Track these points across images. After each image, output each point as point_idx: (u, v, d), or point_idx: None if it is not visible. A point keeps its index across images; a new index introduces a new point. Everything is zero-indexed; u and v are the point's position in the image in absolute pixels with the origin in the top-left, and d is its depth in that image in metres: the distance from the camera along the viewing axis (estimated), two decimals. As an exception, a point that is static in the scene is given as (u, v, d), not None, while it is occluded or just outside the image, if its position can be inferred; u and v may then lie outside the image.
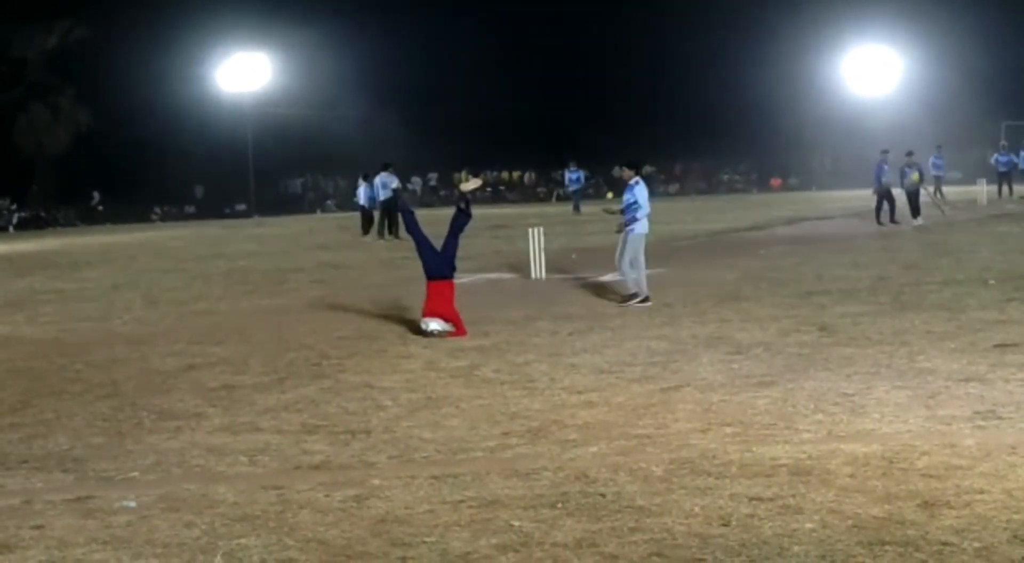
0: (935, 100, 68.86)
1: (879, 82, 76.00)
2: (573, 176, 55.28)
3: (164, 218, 72.84)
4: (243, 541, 7.81)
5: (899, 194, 36.16)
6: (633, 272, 19.57)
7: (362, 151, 60.88)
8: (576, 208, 52.11)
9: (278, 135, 72.36)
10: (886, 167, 35.87)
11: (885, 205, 35.89)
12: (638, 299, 19.20)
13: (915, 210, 35.69)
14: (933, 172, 48.65)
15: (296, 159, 78.11)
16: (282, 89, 73.62)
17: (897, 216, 35.66)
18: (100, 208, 73.29)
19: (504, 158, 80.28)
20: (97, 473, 9.84)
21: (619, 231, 19.87)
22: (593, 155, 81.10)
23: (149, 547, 7.79)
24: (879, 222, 35.78)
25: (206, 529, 8.11)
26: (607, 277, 23.43)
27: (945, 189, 49.15)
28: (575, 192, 54.74)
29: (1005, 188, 49.19)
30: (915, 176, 36.16)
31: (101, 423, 11.73)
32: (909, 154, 37.16)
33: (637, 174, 20.22)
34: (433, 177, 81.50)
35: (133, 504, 7.77)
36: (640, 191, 19.79)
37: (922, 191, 36.68)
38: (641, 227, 19.70)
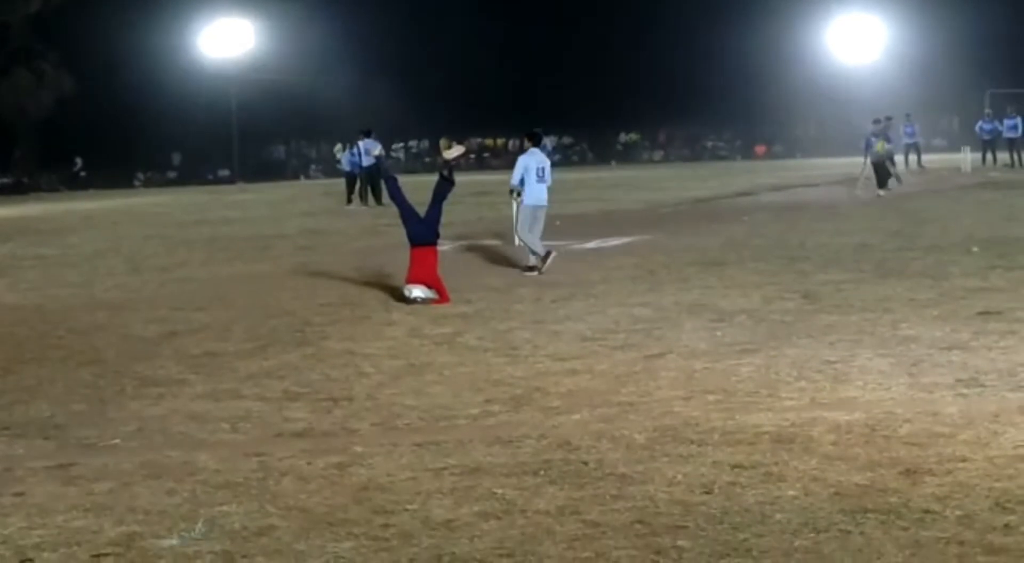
0: (920, 68, 68.83)
1: (864, 50, 75.94)
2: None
3: (147, 184, 72.56)
4: (225, 508, 7.80)
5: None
6: (529, 237, 19.88)
7: (346, 118, 60.54)
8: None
9: (261, 101, 72.03)
10: (874, 138, 35.32)
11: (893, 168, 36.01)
12: (541, 264, 19.55)
13: (881, 180, 34.66)
14: (905, 140, 48.74)
15: (280, 125, 77.87)
16: (266, 55, 73.24)
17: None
18: (83, 174, 72.99)
19: (488, 124, 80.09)
20: (79, 440, 9.82)
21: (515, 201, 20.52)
22: (577, 121, 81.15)
23: (131, 514, 7.77)
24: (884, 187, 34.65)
25: (188, 496, 8.09)
26: (591, 244, 23.45)
27: (927, 156, 49.25)
28: None
29: (989, 156, 49.21)
30: (879, 145, 35.08)
31: (83, 390, 11.70)
32: (876, 122, 36.44)
33: (534, 144, 20.60)
34: (414, 145, 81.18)
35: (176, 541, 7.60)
36: (520, 159, 20.25)
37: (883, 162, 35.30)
38: (527, 198, 20.03)
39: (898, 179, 37.79)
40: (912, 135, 48.71)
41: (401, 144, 79.94)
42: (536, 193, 20.02)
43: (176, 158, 77.70)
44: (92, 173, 72.25)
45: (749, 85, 73.43)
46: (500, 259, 21.97)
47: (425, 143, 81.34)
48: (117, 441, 9.74)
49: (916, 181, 40.82)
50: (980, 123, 50.96)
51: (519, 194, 20.23)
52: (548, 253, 19.62)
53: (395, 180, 18.05)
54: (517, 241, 20.50)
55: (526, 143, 20.98)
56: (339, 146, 74.50)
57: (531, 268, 19.69)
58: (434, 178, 18.21)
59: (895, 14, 72.40)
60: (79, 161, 73.80)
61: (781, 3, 71.60)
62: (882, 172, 34.82)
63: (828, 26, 76.70)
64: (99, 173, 71.29)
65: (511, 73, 77.61)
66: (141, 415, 10.53)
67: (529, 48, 77.64)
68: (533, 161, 20.14)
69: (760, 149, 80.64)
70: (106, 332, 15.36)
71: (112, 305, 17.90)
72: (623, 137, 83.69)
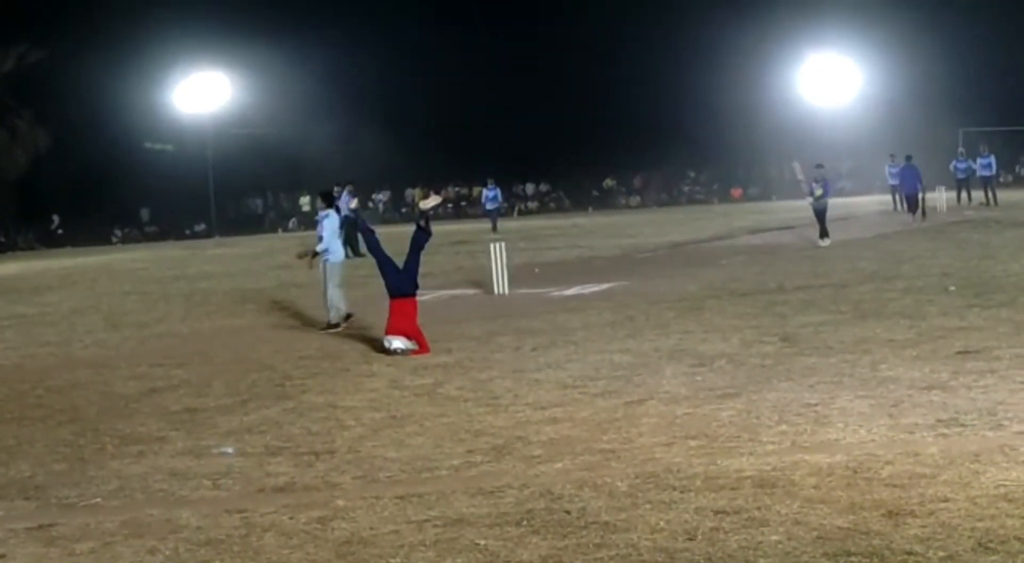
0: (892, 108, 69.16)
1: (837, 91, 76.30)
2: (490, 194, 52.27)
3: (125, 240, 72.53)
4: (207, 566, 7.77)
5: (845, 205, 36.27)
6: (337, 296, 20.17)
7: (323, 170, 60.62)
8: (494, 227, 49.15)
9: (238, 154, 72.07)
10: (815, 184, 32.85)
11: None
12: (342, 323, 19.90)
13: (822, 230, 32.26)
14: (890, 182, 48.88)
15: (256, 179, 77.92)
16: (241, 108, 73.35)
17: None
18: (60, 231, 72.94)
19: (465, 174, 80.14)
20: (59, 500, 9.78)
21: (310, 267, 20.62)
22: (553, 168, 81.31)
23: (113, 574, 7.74)
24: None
25: (170, 555, 8.07)
26: (571, 291, 23.48)
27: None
28: (492, 211, 51.73)
29: (964, 194, 49.41)
30: (818, 192, 32.49)
31: (63, 449, 11.65)
32: (818, 167, 34.19)
33: (328, 206, 20.97)
34: (384, 196, 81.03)
35: (231, 450, 7.65)
36: (327, 223, 20.46)
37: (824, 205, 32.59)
38: (335, 256, 20.35)
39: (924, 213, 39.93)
40: (896, 176, 48.79)
41: (381, 194, 79.93)
42: (341, 251, 20.69)
43: (157, 212, 77.63)
44: (69, 230, 72.20)
45: (724, 128, 73.58)
46: (479, 308, 21.97)
47: (386, 194, 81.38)
48: (98, 500, 9.70)
49: (896, 220, 40.99)
50: (954, 162, 51.17)
51: (321, 255, 20.30)
52: (336, 324, 19.95)
53: (373, 232, 18.10)
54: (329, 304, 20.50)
55: (320, 203, 21.36)
56: (307, 198, 74.94)
57: (334, 326, 19.89)
58: (409, 229, 18.23)
59: (867, 55, 72.76)
60: (56, 218, 73.73)
61: (754, 46, 71.91)
62: (821, 220, 32.51)
63: (800, 68, 77.04)
64: (76, 230, 71.25)
65: (487, 122, 77.76)
66: (122, 473, 10.48)
67: (505, 98, 77.82)
68: (336, 222, 20.58)
69: (736, 192, 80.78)
70: (85, 390, 15.31)
71: (91, 363, 17.85)
72: (607, 183, 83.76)
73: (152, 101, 71.58)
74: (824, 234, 32.16)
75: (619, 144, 76.21)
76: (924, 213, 40.87)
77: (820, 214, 32.46)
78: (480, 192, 57.55)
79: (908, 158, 44.52)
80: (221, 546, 8.18)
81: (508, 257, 25.06)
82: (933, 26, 67.97)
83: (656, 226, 48.34)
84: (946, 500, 8.16)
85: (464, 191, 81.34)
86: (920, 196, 41.71)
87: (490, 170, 55.90)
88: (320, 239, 20.31)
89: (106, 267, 43.74)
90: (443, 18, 75.97)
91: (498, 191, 52.87)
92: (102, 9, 68.73)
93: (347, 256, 37.72)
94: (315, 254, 20.28)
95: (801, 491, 8.57)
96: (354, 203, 38.93)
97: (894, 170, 48.53)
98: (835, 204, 36.19)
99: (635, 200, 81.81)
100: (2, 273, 44.30)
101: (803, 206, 39.72)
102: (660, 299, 21.28)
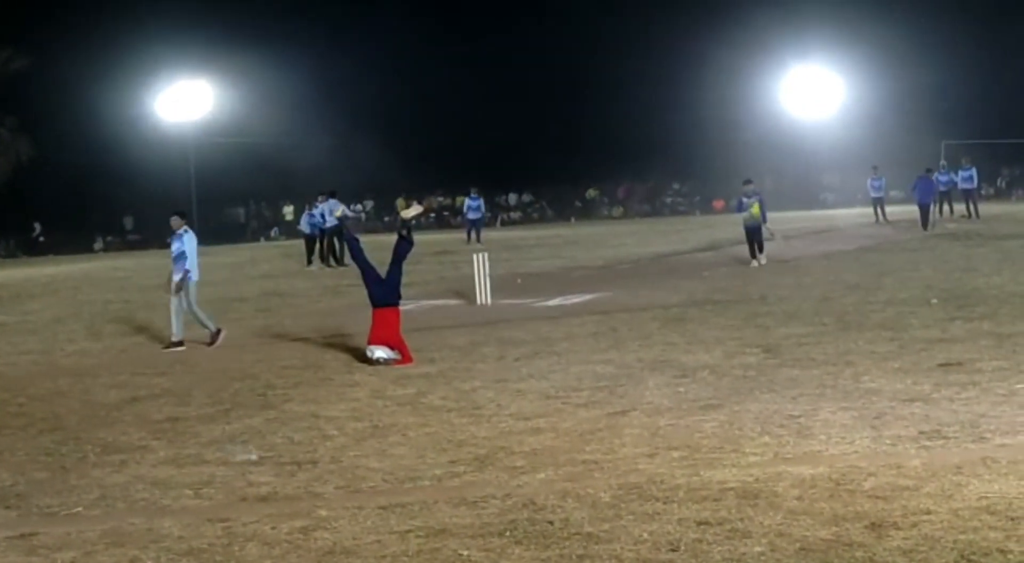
0: (874, 120, 69.30)
1: (819, 103, 76.48)
2: (474, 203, 50.30)
3: (107, 248, 72.34)
4: (189, 576, 7.75)
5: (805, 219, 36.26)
6: (202, 313, 20.23)
7: (304, 180, 60.54)
8: (473, 237, 47.67)
9: (220, 163, 71.91)
10: (746, 199, 31.11)
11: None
12: (219, 337, 20.01)
13: (756, 248, 30.51)
14: (872, 194, 48.98)
15: (239, 187, 77.79)
16: (224, 117, 73.28)
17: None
18: (42, 239, 72.77)
19: (448, 183, 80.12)
20: (41, 509, 9.75)
21: (177, 291, 20.12)
22: (536, 179, 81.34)
23: (94, 584, 7.72)
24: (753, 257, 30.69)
25: (152, 564, 8.05)
26: (553, 302, 23.48)
27: (888, 209, 49.36)
28: (475, 221, 49.65)
29: (946, 207, 49.49)
30: (754, 208, 30.55)
31: (44, 458, 11.62)
32: (747, 182, 32.05)
33: (185, 223, 20.97)
34: (365, 206, 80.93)
35: (254, 456, 7.66)
36: (189, 241, 20.48)
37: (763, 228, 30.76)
38: (196, 275, 20.34)
39: (932, 224, 40.74)
40: (879, 188, 48.86)
41: (363, 204, 79.86)
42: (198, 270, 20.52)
43: (129, 222, 77.48)
44: (51, 238, 72.04)
45: (706, 140, 73.69)
46: (462, 318, 21.96)
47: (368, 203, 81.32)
48: (79, 509, 9.67)
49: (878, 233, 41.09)
50: (936, 175, 51.27)
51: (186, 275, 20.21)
52: (219, 330, 20.14)
53: (357, 241, 18.09)
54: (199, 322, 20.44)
55: (178, 222, 21.05)
56: (290, 208, 74.84)
57: (177, 344, 19.83)
58: (392, 238, 18.23)
59: (849, 67, 72.95)
60: (38, 226, 73.56)
61: (736, 58, 72.04)
62: (757, 238, 30.54)
63: (783, 80, 77.21)
64: (58, 238, 71.09)
65: (469, 131, 77.79)
66: (103, 482, 10.45)
67: (488, 107, 77.88)
68: (194, 240, 20.68)
69: (718, 203, 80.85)
70: (67, 398, 15.28)
71: (73, 371, 17.80)
72: (589, 194, 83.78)
73: (135, 110, 71.51)
74: (758, 251, 30.39)
75: (602, 155, 76.26)
76: (932, 223, 42.01)
77: (753, 232, 30.52)
78: (463, 202, 56.66)
79: (928, 171, 45.98)
80: (203, 555, 8.16)
81: (491, 267, 25.05)
82: (915, 39, 68.15)
83: (639, 237, 48.34)
84: (929, 512, 8.17)
85: (447, 201, 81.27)
86: (933, 208, 43.48)
87: (473, 180, 55.57)
88: (183, 257, 20.20)
89: (88, 275, 43.60)
90: (427, 29, 75.89)
91: (481, 201, 51.73)
92: (86, 16, 68.76)
93: (330, 265, 38.05)
94: (181, 277, 20.14)
95: (784, 503, 8.57)
96: (340, 211, 38.90)
97: (876, 183, 48.67)
98: (817, 217, 36.25)
99: (618, 211, 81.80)
100: (-17, 281, 44.14)
101: (786, 218, 39.76)
102: (643, 310, 21.29)
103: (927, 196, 43.34)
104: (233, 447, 7.85)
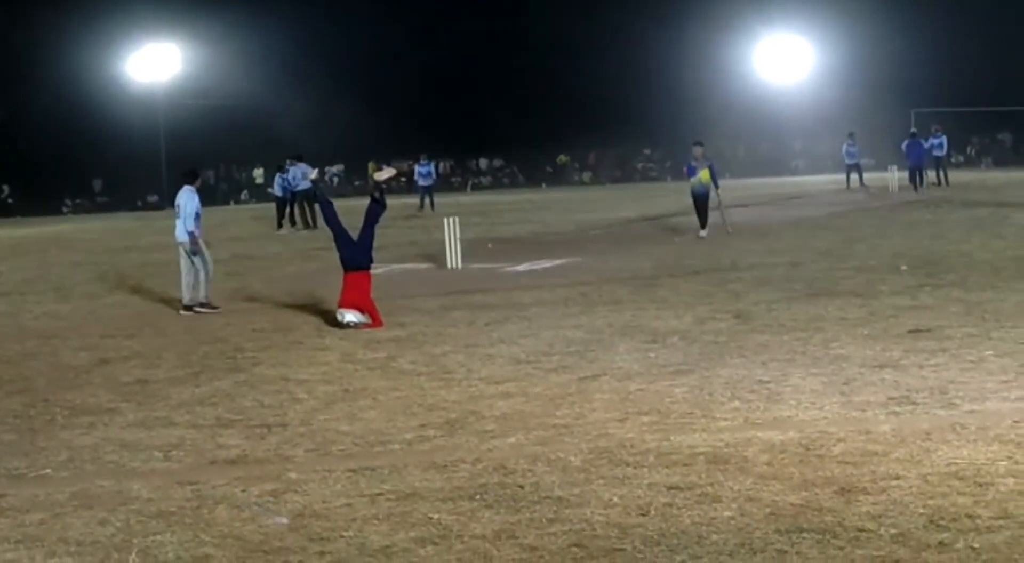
0: (845, 88, 69.44)
1: (791, 70, 76.59)
2: (423, 170, 48.18)
3: (76, 210, 72.13)
4: (158, 538, 7.73)
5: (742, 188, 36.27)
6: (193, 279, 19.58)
7: (277, 142, 60.34)
8: (426, 205, 46.27)
9: (191, 126, 71.69)
10: (694, 163, 29.14)
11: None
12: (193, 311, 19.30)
13: (702, 219, 28.64)
14: (847, 160, 49.07)
15: (209, 150, 77.51)
16: (194, 79, 73.03)
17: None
18: (10, 201, 72.46)
19: (417, 147, 79.98)
20: (8, 471, 9.71)
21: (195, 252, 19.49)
22: (507, 144, 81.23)
23: (62, 545, 7.69)
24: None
25: (120, 526, 8.02)
26: (524, 266, 23.48)
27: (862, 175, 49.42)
28: (427, 187, 47.46)
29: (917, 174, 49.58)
30: (704, 174, 28.53)
31: (12, 420, 11.58)
32: (697, 144, 29.86)
33: (188, 181, 20.14)
34: (338, 168, 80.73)
35: (285, 521, 7.68)
36: (195, 202, 19.77)
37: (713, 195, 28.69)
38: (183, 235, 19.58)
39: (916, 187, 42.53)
40: (853, 156, 48.92)
41: (335, 167, 79.68)
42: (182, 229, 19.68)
43: (98, 184, 77.15)
44: (19, 200, 71.74)
45: (678, 106, 73.67)
46: (432, 283, 21.93)
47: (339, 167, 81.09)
48: (48, 471, 9.64)
49: (849, 199, 41.17)
50: (906, 142, 51.36)
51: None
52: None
53: (331, 204, 17.96)
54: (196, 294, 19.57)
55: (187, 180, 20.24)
56: (260, 171, 74.60)
57: (189, 308, 19.30)
58: (364, 202, 18.17)
59: (820, 34, 73.05)
60: (6, 188, 73.21)
61: (709, 25, 72.06)
62: (705, 206, 28.68)
63: (755, 47, 77.27)
64: (27, 200, 70.79)
65: (440, 96, 77.63)
66: (72, 444, 10.42)
67: (457, 72, 77.72)
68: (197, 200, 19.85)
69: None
70: (36, 360, 15.22)
71: (41, 333, 17.73)
72: (560, 159, 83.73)
73: (104, 72, 71.15)
74: (702, 224, 28.61)
75: (573, 121, 76.21)
76: (923, 185, 43.88)
77: (701, 199, 28.71)
78: (413, 168, 54.26)
79: (913, 134, 47.46)
80: (172, 518, 8.14)
81: (461, 232, 25.03)
82: (886, 6, 68.26)
83: (609, 203, 48.37)
84: (897, 477, 8.20)
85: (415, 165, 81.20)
86: (921, 171, 45.14)
87: (443, 144, 55.24)
88: (198, 217, 19.58)
89: (57, 238, 43.45)
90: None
91: (432, 166, 49.77)
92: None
93: (302, 228, 37.95)
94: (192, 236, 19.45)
95: (754, 468, 8.59)
96: (313, 174, 38.69)
97: (851, 149, 48.75)
98: (788, 183, 36.31)
99: (588, 176, 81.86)
100: (-49, 242, 43.92)
101: (757, 184, 39.79)
102: (614, 275, 21.29)
103: (919, 158, 44.91)
104: (262, 510, 7.84)
